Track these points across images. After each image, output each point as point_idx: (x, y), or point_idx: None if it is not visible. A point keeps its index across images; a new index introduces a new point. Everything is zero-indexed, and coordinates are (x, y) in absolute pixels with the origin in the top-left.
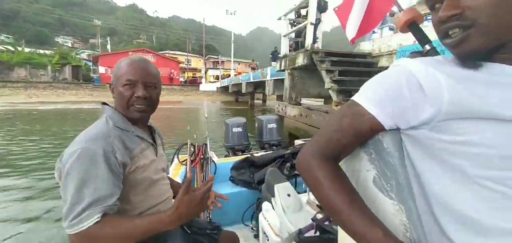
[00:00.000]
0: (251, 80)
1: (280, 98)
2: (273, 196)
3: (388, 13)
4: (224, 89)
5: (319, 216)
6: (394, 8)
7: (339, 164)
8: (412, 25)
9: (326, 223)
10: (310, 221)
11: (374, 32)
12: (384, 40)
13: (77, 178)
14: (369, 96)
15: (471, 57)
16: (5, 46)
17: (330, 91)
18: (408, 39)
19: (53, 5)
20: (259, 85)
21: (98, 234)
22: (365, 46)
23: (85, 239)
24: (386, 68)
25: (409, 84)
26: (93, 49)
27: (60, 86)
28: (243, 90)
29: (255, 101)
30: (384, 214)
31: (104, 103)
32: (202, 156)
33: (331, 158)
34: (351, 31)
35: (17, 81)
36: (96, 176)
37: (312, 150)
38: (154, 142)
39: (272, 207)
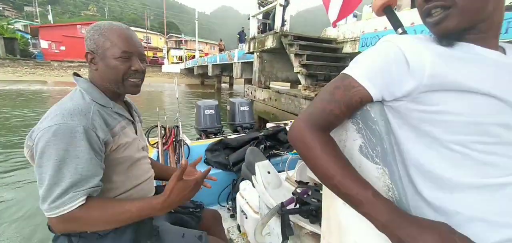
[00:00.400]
0: (218, 62)
1: (247, 81)
2: (254, 174)
3: None
4: (189, 71)
5: (299, 190)
6: None
7: None
8: (387, 9)
9: (305, 196)
10: (290, 196)
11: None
12: (348, 27)
13: (55, 157)
14: (360, 69)
15: (448, 36)
16: None
17: (298, 75)
18: (370, 27)
19: None
20: (225, 68)
21: (83, 216)
22: (330, 32)
23: (69, 221)
24: (350, 54)
25: (396, 59)
26: (30, 19)
27: None
28: (210, 73)
29: (222, 84)
30: (369, 178)
31: (76, 74)
32: (174, 139)
33: (323, 127)
34: (333, 14)
35: None
36: (76, 156)
37: (306, 120)
38: (133, 119)
39: (252, 185)
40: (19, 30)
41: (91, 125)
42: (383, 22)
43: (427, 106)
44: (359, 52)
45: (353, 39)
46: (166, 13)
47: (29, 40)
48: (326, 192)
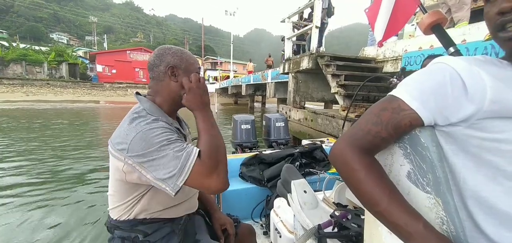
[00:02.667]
0: (251, 82)
1: (280, 100)
2: (289, 192)
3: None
4: (223, 90)
5: (337, 213)
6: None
7: None
8: (436, 27)
9: (344, 220)
10: (328, 218)
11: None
12: (388, 45)
13: (160, 143)
14: (410, 91)
15: None
16: (0, 42)
17: (336, 96)
18: (414, 45)
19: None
20: (259, 88)
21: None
22: (369, 51)
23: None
24: (391, 73)
25: (452, 82)
26: (89, 47)
27: (57, 84)
28: (243, 92)
29: (255, 103)
30: (418, 208)
31: (137, 93)
32: None
33: (368, 150)
34: (379, 33)
35: (13, 77)
36: (173, 140)
37: (349, 142)
38: (185, 133)
39: (288, 203)
40: (81, 57)
41: (166, 122)
42: (429, 39)
43: (488, 133)
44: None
45: (395, 58)
46: (204, 37)
47: (88, 65)
48: (369, 218)
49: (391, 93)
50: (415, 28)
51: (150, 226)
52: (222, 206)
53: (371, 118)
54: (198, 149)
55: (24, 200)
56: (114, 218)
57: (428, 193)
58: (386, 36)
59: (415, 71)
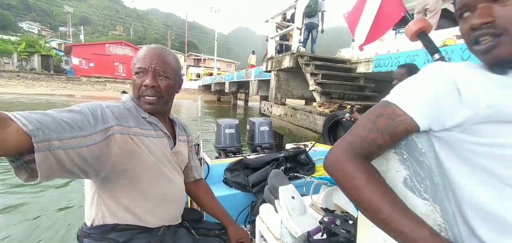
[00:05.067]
0: (235, 80)
1: (263, 98)
2: (277, 198)
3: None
4: (206, 87)
5: (326, 219)
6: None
7: None
8: (422, 35)
9: (333, 226)
10: (316, 224)
11: (353, 40)
12: None
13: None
14: (405, 97)
15: (499, 64)
16: None
17: (314, 93)
18: (383, 49)
19: None
20: (242, 85)
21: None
22: (345, 53)
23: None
24: (364, 73)
25: (446, 87)
26: (63, 38)
27: (28, 77)
28: (226, 90)
29: (238, 101)
30: None
31: (123, 92)
32: None
33: (364, 157)
34: (360, 37)
35: None
36: (80, 106)
37: (345, 148)
38: (169, 134)
39: (275, 209)
40: (54, 48)
41: (117, 111)
42: (396, 44)
43: (481, 138)
44: (372, 73)
45: (367, 60)
46: (187, 33)
47: (62, 57)
48: (361, 224)
49: (385, 98)
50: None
51: (122, 235)
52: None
53: (367, 125)
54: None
55: None
56: (88, 224)
57: (425, 199)
58: (368, 40)
59: (384, 72)
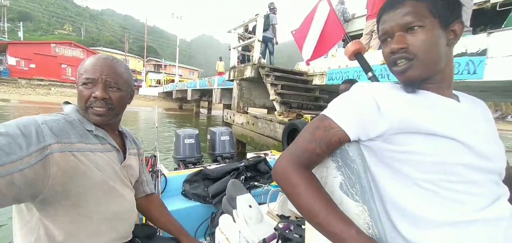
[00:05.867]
0: (198, 88)
1: (226, 106)
2: (235, 208)
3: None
4: (167, 95)
5: (280, 225)
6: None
7: None
8: (358, 55)
9: (287, 231)
10: (272, 231)
11: None
12: (317, 62)
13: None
14: (337, 112)
15: (413, 83)
16: None
17: (274, 102)
18: (335, 63)
19: None
20: (205, 93)
21: None
22: (302, 66)
23: None
24: (319, 85)
25: (369, 104)
26: None
27: None
28: (189, 97)
29: (200, 109)
30: (350, 216)
31: (66, 102)
32: (150, 169)
33: (305, 165)
34: (307, 53)
35: None
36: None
37: (289, 159)
38: (118, 147)
39: (233, 219)
40: None
41: (56, 127)
42: (346, 60)
43: (397, 146)
44: (326, 85)
45: (321, 73)
46: (147, 37)
47: None
48: (308, 228)
49: (323, 112)
50: (336, 50)
51: None
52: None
53: (307, 136)
54: None
55: None
56: None
57: (356, 201)
58: (314, 56)
59: (336, 85)
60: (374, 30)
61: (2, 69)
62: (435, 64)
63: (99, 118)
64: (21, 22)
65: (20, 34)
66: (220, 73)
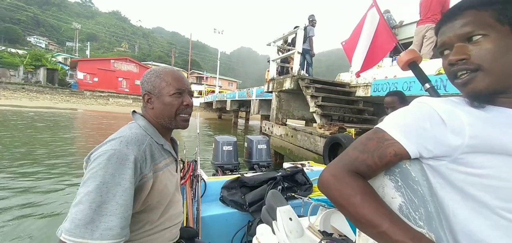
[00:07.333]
0: (237, 98)
1: (264, 117)
2: (274, 219)
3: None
4: (208, 105)
5: (325, 242)
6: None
7: None
8: (413, 65)
9: None
10: None
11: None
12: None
13: (100, 180)
14: (393, 124)
15: (478, 97)
16: None
17: (314, 115)
18: (381, 74)
19: (27, 2)
20: (243, 104)
21: None
22: (344, 77)
23: None
24: (363, 97)
25: (431, 118)
26: (70, 53)
27: (33, 89)
28: (228, 108)
29: (239, 119)
30: None
31: (134, 112)
32: (192, 174)
33: (356, 175)
34: (356, 65)
35: None
36: (118, 183)
37: (339, 167)
38: (176, 157)
39: (272, 230)
40: (60, 62)
41: (141, 157)
42: (394, 71)
43: (470, 168)
44: (371, 97)
45: (366, 84)
46: (191, 52)
47: (68, 72)
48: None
49: (377, 125)
50: (383, 60)
51: None
52: (202, 232)
53: (358, 146)
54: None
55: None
56: None
57: (420, 227)
58: (364, 68)
59: (382, 97)
60: (425, 36)
61: (72, 82)
62: (509, 76)
63: (186, 123)
64: (88, 42)
65: (87, 52)
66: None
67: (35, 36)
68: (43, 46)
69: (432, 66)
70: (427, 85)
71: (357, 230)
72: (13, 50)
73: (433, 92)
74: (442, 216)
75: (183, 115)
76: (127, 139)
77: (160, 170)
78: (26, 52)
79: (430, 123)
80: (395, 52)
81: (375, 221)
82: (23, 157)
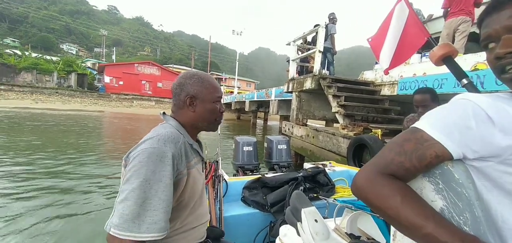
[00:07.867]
0: (255, 99)
1: (283, 118)
2: (299, 220)
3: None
4: (226, 105)
5: None
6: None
7: None
8: (447, 59)
9: None
10: None
11: (376, 63)
12: None
13: (143, 177)
14: (432, 123)
15: None
16: (12, 50)
17: (336, 115)
18: (408, 71)
19: (60, 12)
20: (262, 104)
21: None
22: (368, 75)
23: None
24: (388, 96)
25: (476, 116)
26: (97, 58)
27: (65, 93)
28: (246, 108)
29: (257, 120)
30: None
31: (164, 113)
32: (213, 174)
33: (393, 177)
34: (384, 61)
35: (23, 85)
36: (160, 179)
37: (374, 170)
38: (203, 157)
39: (297, 232)
40: (89, 68)
41: (177, 154)
42: (422, 67)
43: None
44: (397, 95)
45: (392, 82)
46: (210, 54)
47: (96, 76)
48: None
49: (413, 125)
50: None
51: None
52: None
53: (394, 148)
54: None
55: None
56: None
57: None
58: (393, 65)
59: (410, 95)
60: (458, 30)
61: (100, 86)
62: None
63: (217, 127)
64: (114, 47)
65: (113, 57)
66: None
67: (67, 43)
68: (74, 52)
69: (466, 61)
70: (465, 81)
71: (392, 233)
72: (48, 57)
73: (472, 88)
74: (490, 222)
75: (219, 120)
76: (164, 137)
77: (192, 168)
78: (59, 59)
79: (475, 122)
80: (423, 48)
81: (419, 222)
82: (65, 154)
